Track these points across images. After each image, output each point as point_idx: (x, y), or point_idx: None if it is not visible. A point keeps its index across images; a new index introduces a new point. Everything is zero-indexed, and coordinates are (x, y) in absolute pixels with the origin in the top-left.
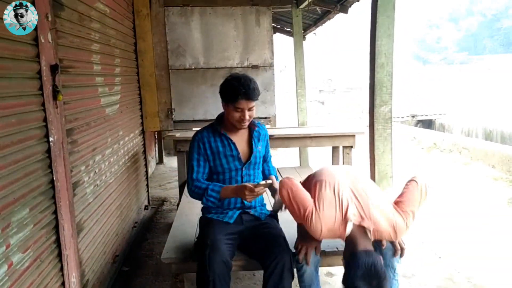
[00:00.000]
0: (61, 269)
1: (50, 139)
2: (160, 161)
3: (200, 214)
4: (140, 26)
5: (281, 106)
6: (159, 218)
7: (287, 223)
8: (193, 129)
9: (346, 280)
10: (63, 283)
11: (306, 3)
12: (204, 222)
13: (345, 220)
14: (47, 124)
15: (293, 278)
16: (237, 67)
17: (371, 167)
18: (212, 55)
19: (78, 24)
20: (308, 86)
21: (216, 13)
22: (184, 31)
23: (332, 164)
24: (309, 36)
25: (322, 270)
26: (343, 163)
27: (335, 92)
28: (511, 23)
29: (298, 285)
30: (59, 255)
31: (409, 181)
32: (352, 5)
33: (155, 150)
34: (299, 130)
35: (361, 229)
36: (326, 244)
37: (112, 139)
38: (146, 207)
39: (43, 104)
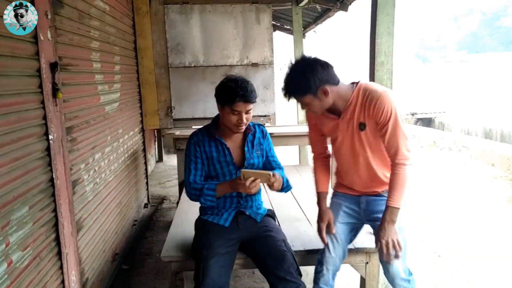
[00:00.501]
0: (61, 267)
1: (50, 137)
2: (160, 159)
3: (199, 213)
4: (139, 23)
5: (281, 104)
6: (159, 216)
7: (285, 222)
8: (193, 127)
9: None
10: (62, 281)
11: (306, 1)
12: (199, 225)
13: None
14: (46, 122)
15: (301, 276)
16: (237, 65)
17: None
18: (211, 53)
19: (77, 21)
20: None
21: (216, 11)
22: (183, 29)
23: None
24: (309, 34)
25: None
26: None
27: None
28: (510, 22)
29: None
30: (59, 253)
31: None
32: (352, 3)
33: (155, 148)
34: (299, 128)
35: None
36: None
37: (111, 137)
38: (145, 205)
39: (42, 102)
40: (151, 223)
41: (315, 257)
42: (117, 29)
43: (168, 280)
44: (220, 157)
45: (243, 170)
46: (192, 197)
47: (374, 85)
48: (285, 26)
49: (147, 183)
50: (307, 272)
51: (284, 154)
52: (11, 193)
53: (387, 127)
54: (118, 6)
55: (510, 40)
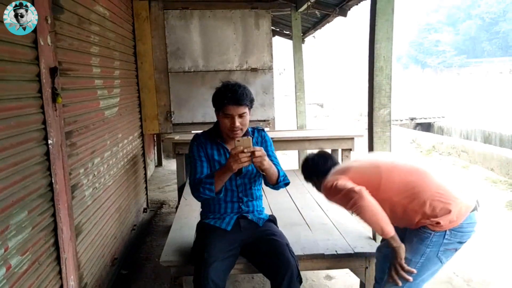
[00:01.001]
0: (60, 272)
1: (49, 141)
2: (159, 163)
3: (199, 217)
4: (139, 29)
5: (280, 109)
6: (158, 221)
7: (285, 227)
8: (192, 131)
9: None
10: (61, 286)
11: (305, 6)
12: (201, 228)
13: None
14: (46, 127)
15: (301, 283)
16: (236, 70)
17: None
18: (211, 58)
19: (77, 26)
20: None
21: (216, 16)
22: (183, 34)
23: None
24: (308, 39)
25: (321, 273)
26: None
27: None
28: (509, 27)
29: None
30: (58, 258)
31: None
32: (351, 9)
33: (154, 153)
34: (298, 133)
35: None
36: (325, 247)
37: (111, 141)
38: (145, 210)
39: (42, 107)
40: (150, 228)
41: (315, 262)
42: (117, 34)
43: (167, 285)
44: (222, 160)
45: (236, 139)
46: (195, 192)
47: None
48: (285, 32)
49: (146, 187)
50: (306, 277)
51: (284, 159)
52: (10, 197)
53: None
54: (118, 11)
55: (508, 45)
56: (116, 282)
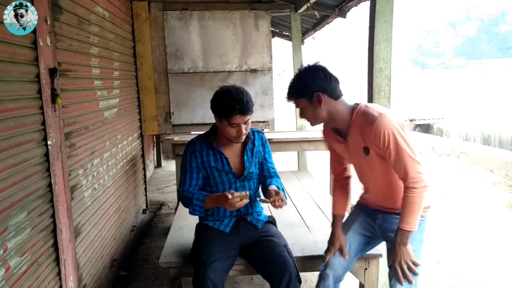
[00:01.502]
0: (59, 273)
1: (49, 142)
2: (159, 164)
3: (198, 218)
4: (139, 30)
5: (279, 110)
6: (157, 222)
7: (284, 229)
8: (192, 132)
9: None
10: (60, 287)
11: (304, 7)
12: (200, 230)
13: None
14: (45, 128)
15: (300, 283)
16: (236, 71)
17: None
18: (210, 59)
19: (77, 27)
20: None
21: (215, 17)
22: (183, 35)
23: None
24: (308, 40)
25: None
26: None
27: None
28: (508, 28)
29: None
30: (57, 259)
31: None
32: (351, 10)
33: (154, 154)
34: (297, 134)
35: None
36: (325, 248)
37: (110, 142)
38: (144, 211)
39: (41, 108)
40: (149, 229)
41: (314, 263)
42: (116, 35)
43: (166, 286)
44: (219, 166)
45: (236, 194)
46: (184, 205)
47: (372, 108)
48: (284, 33)
49: (145, 188)
50: (305, 278)
51: (283, 160)
52: (10, 198)
53: (389, 151)
54: (118, 12)
55: (508, 47)
56: (115, 283)
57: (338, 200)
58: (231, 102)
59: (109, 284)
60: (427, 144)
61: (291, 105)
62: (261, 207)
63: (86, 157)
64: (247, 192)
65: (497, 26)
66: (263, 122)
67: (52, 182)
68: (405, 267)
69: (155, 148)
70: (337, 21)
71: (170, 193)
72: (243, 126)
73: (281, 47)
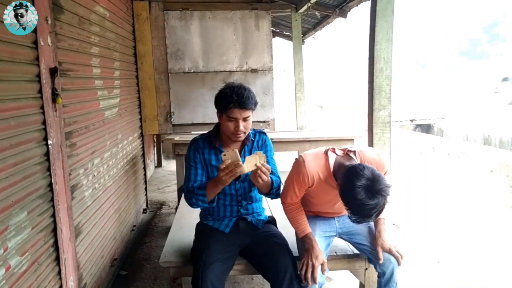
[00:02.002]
0: (59, 273)
1: (49, 142)
2: (159, 164)
3: (198, 218)
4: (139, 29)
5: (280, 110)
6: (158, 222)
7: (287, 228)
8: (192, 132)
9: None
10: (60, 287)
11: (305, 7)
12: (200, 230)
13: None
14: (46, 127)
15: (301, 283)
16: (236, 71)
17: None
18: (211, 59)
19: (77, 27)
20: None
21: (216, 17)
22: (183, 35)
23: None
24: (308, 40)
25: None
26: None
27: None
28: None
29: None
30: (57, 259)
31: None
32: (351, 10)
33: (154, 154)
34: (298, 134)
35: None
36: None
37: (111, 142)
38: (144, 211)
39: (42, 107)
40: (149, 229)
41: None
42: (117, 35)
43: (166, 286)
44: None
45: (222, 154)
46: (188, 200)
47: (368, 152)
48: (285, 33)
49: (146, 188)
50: None
51: (283, 160)
52: (10, 198)
53: None
54: (118, 12)
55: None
56: (116, 282)
57: (304, 219)
58: (231, 94)
59: (109, 283)
60: (427, 144)
61: (292, 105)
62: (262, 208)
63: (86, 156)
64: (235, 150)
65: (498, 27)
66: (264, 122)
67: (53, 181)
68: (397, 248)
69: (155, 148)
70: (338, 21)
71: (170, 193)
72: (242, 123)
73: (281, 47)
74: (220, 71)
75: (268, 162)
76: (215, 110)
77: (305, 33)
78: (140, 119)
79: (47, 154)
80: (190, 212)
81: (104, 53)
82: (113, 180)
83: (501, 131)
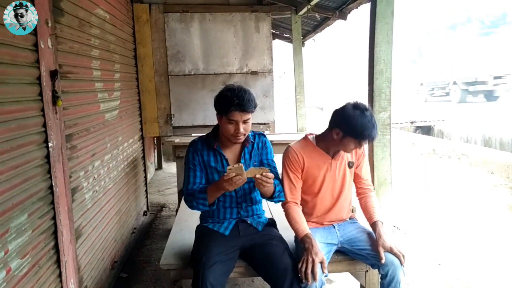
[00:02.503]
0: (60, 275)
1: (49, 144)
2: (159, 166)
3: (198, 220)
4: (139, 32)
5: (280, 112)
6: (158, 224)
7: (287, 231)
8: (192, 134)
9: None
10: None
11: (305, 9)
12: (200, 232)
13: None
14: (46, 130)
15: (301, 285)
16: (237, 73)
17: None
18: (211, 61)
19: (78, 29)
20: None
21: (216, 20)
22: (183, 37)
23: None
24: (308, 42)
25: None
26: None
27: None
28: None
29: None
30: (58, 261)
31: None
32: (351, 12)
33: (154, 156)
34: (298, 136)
35: None
36: None
37: (111, 144)
38: (145, 213)
39: (42, 110)
40: (150, 231)
41: None
42: (117, 37)
43: None
44: (218, 167)
45: (228, 167)
46: (187, 203)
47: None
48: (285, 35)
49: (146, 190)
50: None
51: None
52: (11, 200)
53: (363, 162)
54: (119, 14)
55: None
56: (116, 285)
57: (301, 220)
58: (232, 97)
59: (110, 286)
60: (428, 146)
61: (292, 107)
62: (262, 210)
63: (87, 159)
64: (241, 164)
65: (498, 28)
66: (264, 124)
67: (53, 184)
68: (395, 248)
69: (155, 150)
70: (338, 23)
71: (170, 195)
72: (242, 126)
73: (281, 49)
74: (221, 73)
75: (268, 162)
76: (215, 112)
77: (305, 35)
78: (141, 121)
79: (47, 156)
80: (190, 215)
81: (104, 56)
82: (113, 182)
83: (501, 132)
